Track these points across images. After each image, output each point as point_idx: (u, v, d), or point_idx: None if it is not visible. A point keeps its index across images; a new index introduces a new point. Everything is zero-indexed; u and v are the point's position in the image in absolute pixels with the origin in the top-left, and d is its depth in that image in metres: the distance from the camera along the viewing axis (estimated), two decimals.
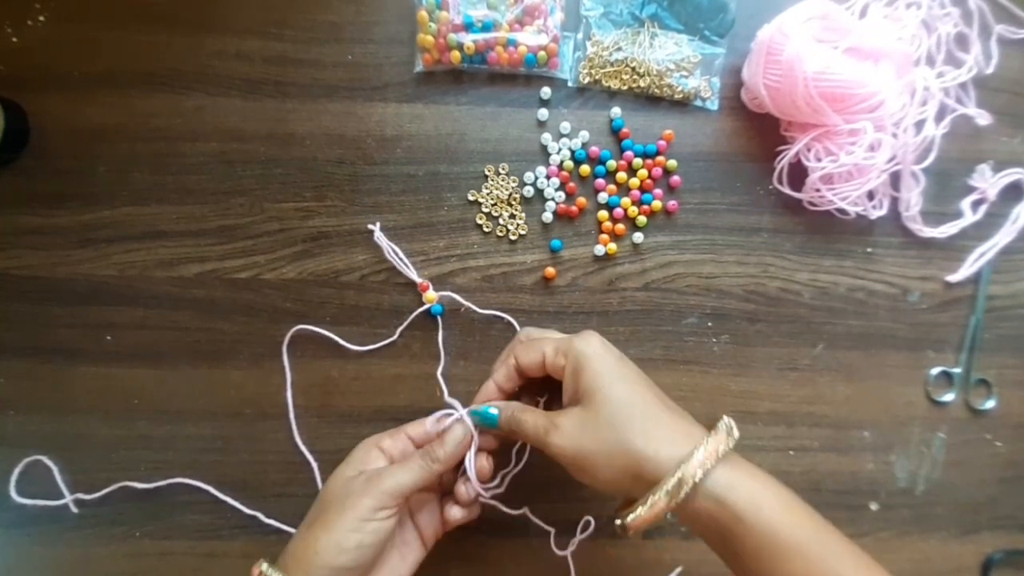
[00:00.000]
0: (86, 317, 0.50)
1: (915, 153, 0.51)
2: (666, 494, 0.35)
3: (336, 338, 0.50)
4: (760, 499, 0.35)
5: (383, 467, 0.40)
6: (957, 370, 0.52)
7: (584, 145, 0.52)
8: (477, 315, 0.51)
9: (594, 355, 0.38)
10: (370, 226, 0.50)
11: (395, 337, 0.50)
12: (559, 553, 0.49)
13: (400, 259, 0.50)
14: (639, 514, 0.35)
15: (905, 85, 0.49)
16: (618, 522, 0.37)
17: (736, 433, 0.37)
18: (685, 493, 0.34)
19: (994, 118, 0.52)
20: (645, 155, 0.52)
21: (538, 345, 0.41)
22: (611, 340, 0.50)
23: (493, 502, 0.44)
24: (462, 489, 0.42)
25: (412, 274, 0.50)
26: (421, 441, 0.43)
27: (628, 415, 0.37)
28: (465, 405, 0.42)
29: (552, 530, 0.50)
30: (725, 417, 0.38)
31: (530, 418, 0.39)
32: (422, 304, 0.50)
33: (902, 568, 0.52)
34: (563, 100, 0.52)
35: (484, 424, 0.41)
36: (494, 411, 0.41)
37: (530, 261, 0.52)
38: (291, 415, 0.50)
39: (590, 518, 0.50)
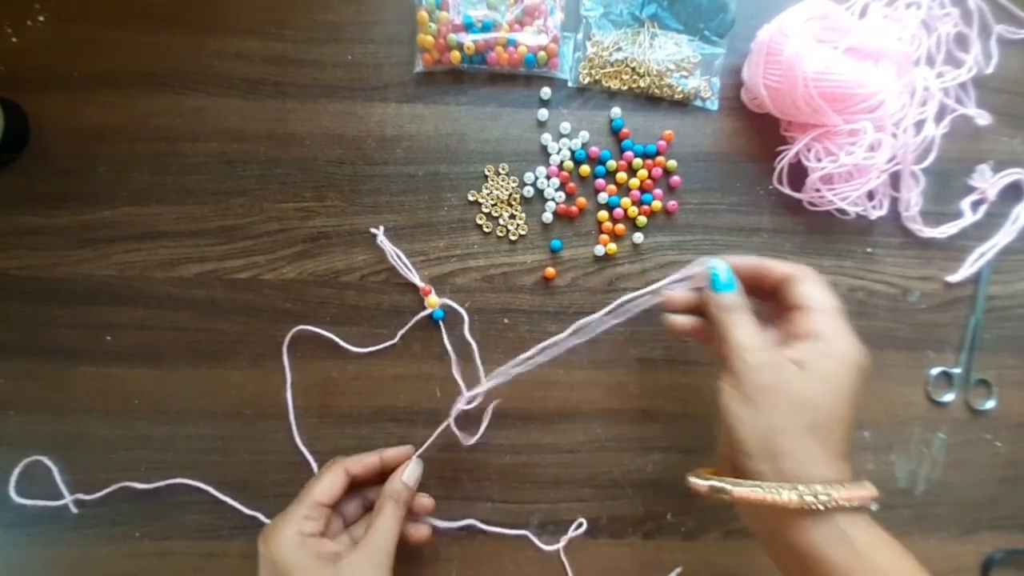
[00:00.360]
0: (86, 317, 0.50)
1: (915, 153, 0.51)
2: (798, 495, 0.33)
3: (336, 339, 0.50)
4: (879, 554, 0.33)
5: (371, 538, 0.40)
6: (957, 370, 0.52)
7: (584, 145, 0.52)
8: (478, 316, 0.51)
9: (839, 330, 0.37)
10: (373, 229, 0.50)
11: (395, 340, 0.50)
12: (548, 549, 0.49)
13: (403, 263, 0.50)
14: (750, 494, 0.34)
15: (905, 85, 0.49)
16: (715, 482, 0.35)
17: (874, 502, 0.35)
18: (815, 507, 0.33)
19: (994, 118, 0.52)
20: (645, 155, 0.52)
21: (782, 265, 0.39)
22: (611, 340, 0.51)
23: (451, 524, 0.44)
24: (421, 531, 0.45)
25: (415, 278, 0.50)
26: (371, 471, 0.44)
27: (828, 413, 0.35)
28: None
29: (547, 531, 0.50)
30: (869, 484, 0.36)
31: (739, 312, 0.38)
32: (423, 307, 0.50)
33: None
34: (563, 100, 0.52)
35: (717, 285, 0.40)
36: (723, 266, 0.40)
37: (530, 261, 0.52)
38: (291, 415, 0.50)
39: (583, 520, 0.50)
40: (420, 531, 0.45)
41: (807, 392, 0.35)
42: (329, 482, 0.42)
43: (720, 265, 0.40)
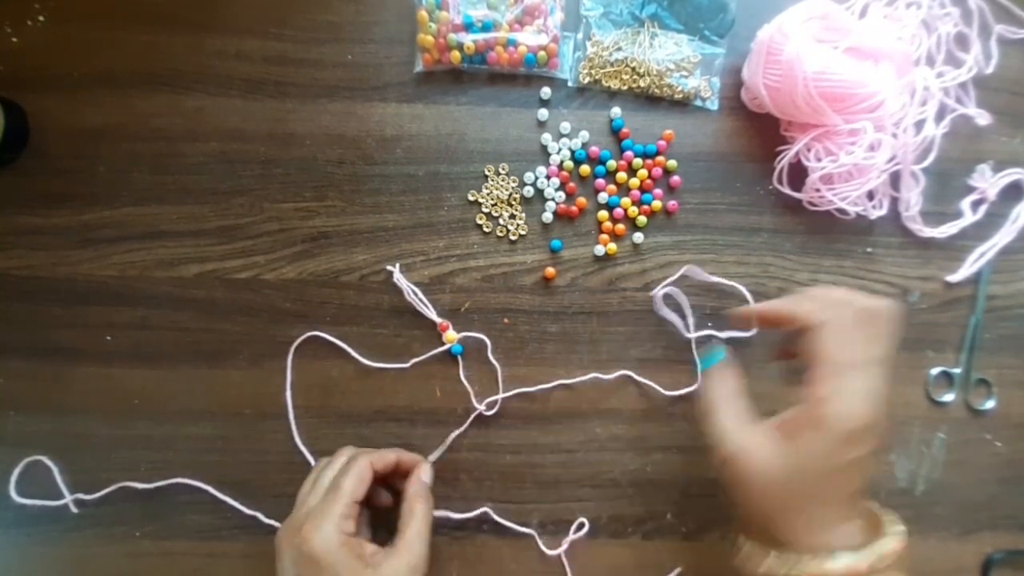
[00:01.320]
0: (86, 317, 0.50)
1: (915, 153, 0.51)
2: (818, 565, 0.33)
3: (348, 349, 0.50)
4: None
5: (405, 537, 0.40)
6: (957, 370, 0.52)
7: (584, 145, 0.52)
8: (478, 316, 0.51)
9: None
10: (389, 267, 0.50)
11: (407, 366, 0.50)
12: (551, 553, 0.49)
13: (420, 299, 0.50)
14: (779, 569, 0.34)
15: (905, 85, 0.49)
16: (758, 561, 0.35)
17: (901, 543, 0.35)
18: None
19: (994, 118, 0.52)
20: (645, 155, 0.52)
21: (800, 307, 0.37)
22: (611, 340, 0.51)
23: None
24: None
25: (431, 314, 0.50)
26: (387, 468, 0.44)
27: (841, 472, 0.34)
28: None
29: (548, 531, 0.50)
30: (899, 524, 0.36)
31: (729, 402, 0.38)
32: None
33: None
34: (563, 100, 0.52)
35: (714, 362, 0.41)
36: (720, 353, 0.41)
37: (530, 261, 0.52)
38: (291, 415, 0.50)
39: (583, 520, 0.50)
40: (385, 498, 0.46)
41: (786, 473, 0.35)
42: (361, 479, 0.41)
43: (718, 355, 0.41)
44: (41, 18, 0.51)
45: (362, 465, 0.41)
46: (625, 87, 0.52)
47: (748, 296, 0.51)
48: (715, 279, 0.49)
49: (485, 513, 0.49)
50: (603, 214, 0.52)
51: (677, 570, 0.50)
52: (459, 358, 0.50)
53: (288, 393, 0.50)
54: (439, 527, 0.49)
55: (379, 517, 0.46)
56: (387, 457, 0.44)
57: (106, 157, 0.50)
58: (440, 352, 0.50)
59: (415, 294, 0.50)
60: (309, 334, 0.50)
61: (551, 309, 0.51)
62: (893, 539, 0.35)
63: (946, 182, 0.53)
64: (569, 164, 0.52)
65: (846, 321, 0.37)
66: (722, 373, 0.40)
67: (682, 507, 0.51)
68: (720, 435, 0.37)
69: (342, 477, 0.40)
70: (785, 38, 0.47)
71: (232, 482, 0.49)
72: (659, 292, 0.50)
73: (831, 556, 0.33)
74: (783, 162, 0.51)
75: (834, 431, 0.34)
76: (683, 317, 0.50)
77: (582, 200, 0.51)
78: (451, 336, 0.50)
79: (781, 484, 0.35)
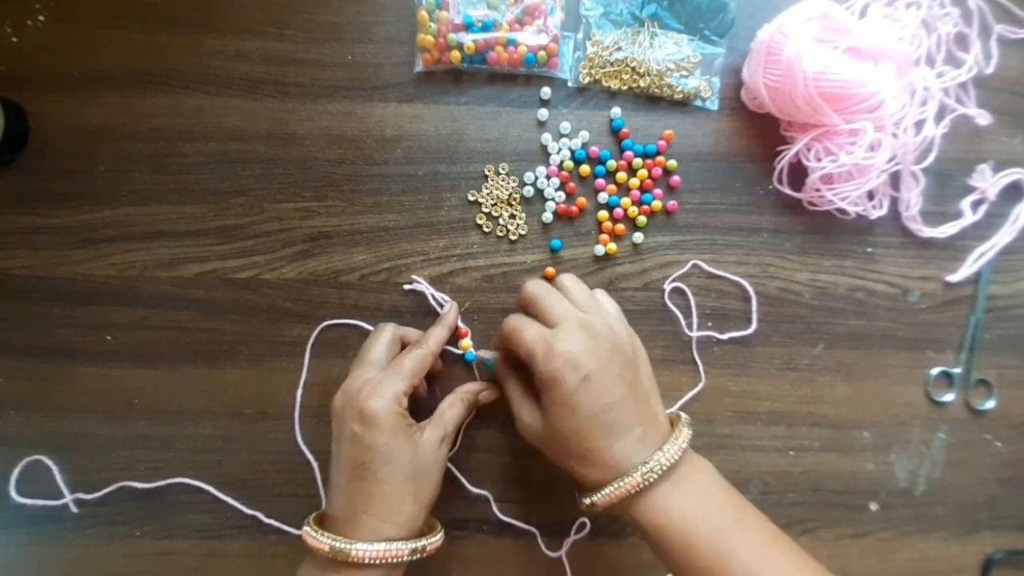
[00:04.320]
0: (86, 317, 0.50)
1: (915, 153, 0.51)
2: (613, 489, 0.38)
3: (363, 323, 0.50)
4: (693, 523, 0.38)
5: (442, 418, 0.44)
6: (957, 370, 0.52)
7: (584, 145, 0.52)
8: (478, 316, 0.51)
9: (560, 379, 0.39)
10: (409, 283, 0.51)
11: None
12: (552, 555, 0.49)
13: (443, 304, 0.50)
14: (596, 500, 0.39)
15: (905, 85, 0.49)
16: (586, 501, 0.40)
17: (687, 433, 0.40)
18: (630, 493, 0.38)
19: (994, 118, 0.52)
20: (645, 155, 0.52)
21: (519, 336, 0.41)
22: None
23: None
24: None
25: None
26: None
27: (587, 427, 0.39)
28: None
29: (547, 531, 0.50)
30: (683, 416, 0.42)
31: (509, 388, 0.45)
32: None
33: (902, 568, 0.52)
34: (563, 100, 0.52)
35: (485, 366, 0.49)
36: (489, 358, 0.48)
37: (530, 261, 0.52)
38: (296, 414, 0.50)
39: (585, 520, 0.50)
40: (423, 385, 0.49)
41: (557, 429, 0.40)
42: (423, 366, 0.44)
43: (485, 356, 0.49)
44: (41, 18, 0.51)
45: (424, 355, 0.44)
46: (625, 87, 0.52)
47: (751, 292, 0.51)
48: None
49: (486, 508, 0.49)
50: (603, 214, 0.52)
51: None
52: (473, 366, 0.50)
53: (299, 392, 0.50)
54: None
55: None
56: (434, 347, 0.46)
57: (106, 157, 0.51)
58: (448, 349, 0.50)
59: (435, 299, 0.50)
60: (327, 323, 0.50)
61: None
62: (684, 430, 0.40)
63: (946, 182, 0.53)
64: (569, 164, 0.51)
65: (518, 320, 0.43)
66: (507, 374, 0.45)
67: None
68: (515, 410, 0.43)
69: (404, 358, 0.44)
70: (785, 38, 0.47)
71: (232, 482, 0.50)
72: (668, 287, 0.51)
73: (626, 476, 0.38)
74: (783, 162, 0.51)
75: (548, 383, 0.39)
76: (687, 316, 0.51)
77: (582, 200, 0.51)
78: (466, 344, 0.50)
79: (550, 439, 0.41)
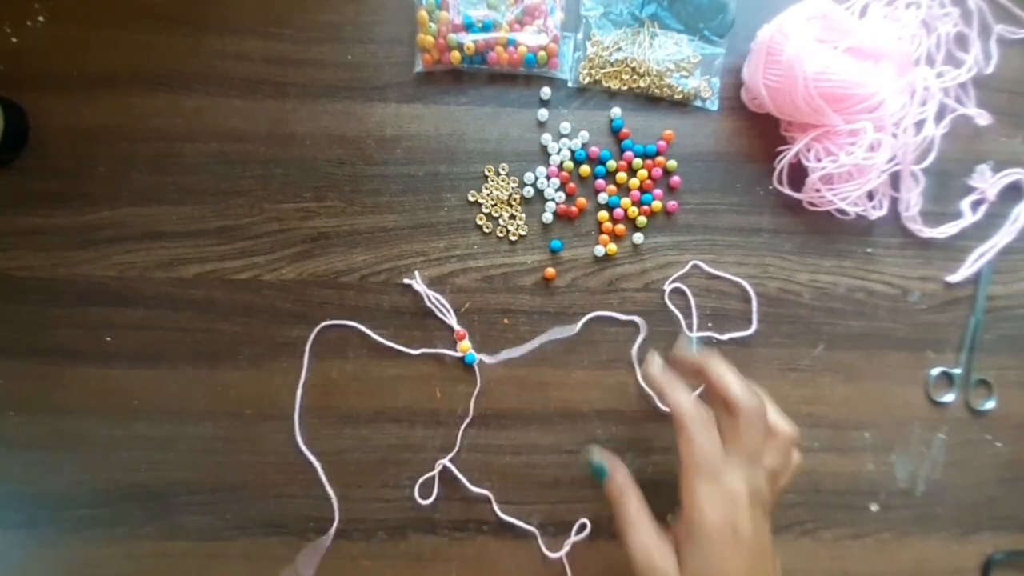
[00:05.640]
0: (86, 318, 0.50)
1: (915, 153, 0.51)
2: None
3: (368, 331, 0.50)
4: None
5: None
6: (957, 370, 0.52)
7: (584, 145, 0.52)
8: (478, 316, 0.51)
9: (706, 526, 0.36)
10: (407, 280, 0.50)
11: (416, 353, 0.50)
12: (552, 555, 0.49)
13: (440, 305, 0.50)
14: None
15: (905, 85, 0.49)
16: None
17: None
18: None
19: (994, 118, 0.52)
20: (645, 155, 0.52)
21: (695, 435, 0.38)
22: (611, 340, 0.51)
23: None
24: None
25: (451, 320, 0.50)
26: None
27: None
28: None
29: (548, 531, 0.50)
30: None
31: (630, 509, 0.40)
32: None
33: (902, 568, 0.52)
34: (563, 100, 0.52)
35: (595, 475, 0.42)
36: (602, 463, 0.42)
37: (530, 262, 0.52)
38: (296, 415, 0.50)
39: (585, 520, 0.50)
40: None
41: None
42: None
43: (595, 457, 0.42)
44: (41, 18, 0.51)
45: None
46: (625, 87, 0.52)
47: (751, 292, 0.51)
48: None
49: (486, 508, 0.49)
50: (603, 214, 0.52)
51: None
52: (474, 367, 0.50)
53: (299, 391, 0.50)
54: (439, 527, 0.49)
55: None
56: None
57: (106, 157, 0.50)
58: (446, 352, 0.50)
59: (433, 299, 0.50)
60: (326, 324, 0.50)
61: (551, 310, 0.51)
62: None
63: (946, 182, 0.53)
64: (569, 164, 0.51)
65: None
66: (624, 493, 0.40)
67: None
68: (636, 552, 0.38)
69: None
70: (785, 38, 0.47)
71: (232, 483, 0.49)
72: (668, 287, 0.51)
73: None
74: (783, 162, 0.51)
75: (697, 539, 0.36)
76: (687, 317, 0.51)
77: (582, 200, 0.51)
78: (465, 346, 0.50)
79: None
